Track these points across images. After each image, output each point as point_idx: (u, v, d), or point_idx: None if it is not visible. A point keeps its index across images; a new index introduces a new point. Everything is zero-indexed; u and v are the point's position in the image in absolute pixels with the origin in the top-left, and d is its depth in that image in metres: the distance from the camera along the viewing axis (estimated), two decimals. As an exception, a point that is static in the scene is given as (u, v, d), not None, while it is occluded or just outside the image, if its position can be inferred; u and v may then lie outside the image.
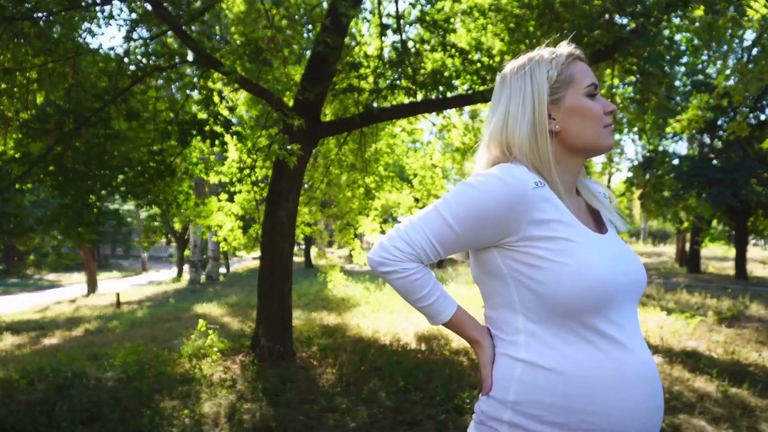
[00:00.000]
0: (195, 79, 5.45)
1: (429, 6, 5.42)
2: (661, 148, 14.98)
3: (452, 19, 5.75)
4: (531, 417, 0.95)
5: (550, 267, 0.94)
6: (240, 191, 7.01)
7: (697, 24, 5.13)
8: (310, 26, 5.66)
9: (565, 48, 1.07)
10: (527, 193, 0.95)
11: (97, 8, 4.88)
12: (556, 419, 0.93)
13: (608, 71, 5.31)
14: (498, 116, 1.06)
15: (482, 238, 0.99)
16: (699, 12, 4.88)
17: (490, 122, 1.09)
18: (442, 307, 1.05)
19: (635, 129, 6.47)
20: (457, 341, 5.72)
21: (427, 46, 5.38)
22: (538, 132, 1.02)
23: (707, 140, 16.18)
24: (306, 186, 7.97)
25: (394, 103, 5.96)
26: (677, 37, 6.18)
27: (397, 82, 5.36)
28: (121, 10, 5.25)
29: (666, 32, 5.39)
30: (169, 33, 4.88)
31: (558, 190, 1.00)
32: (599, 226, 1.10)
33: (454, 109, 7.22)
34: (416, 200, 8.42)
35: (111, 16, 5.08)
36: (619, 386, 0.94)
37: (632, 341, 0.97)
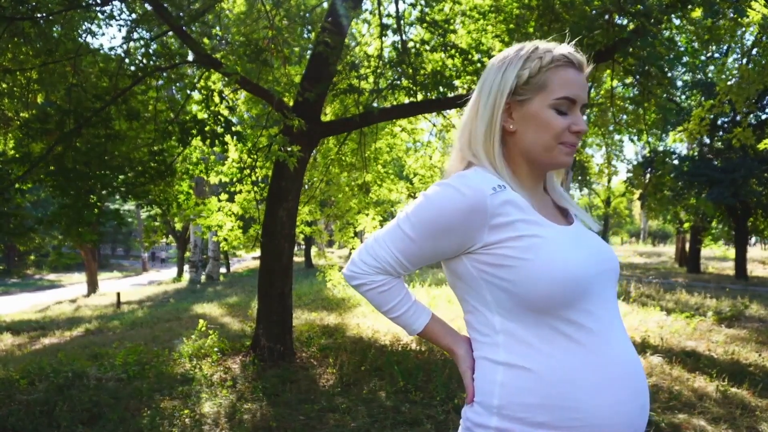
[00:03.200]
0: (195, 80, 5.45)
1: (429, 8, 5.42)
2: (661, 148, 14.99)
3: (452, 20, 5.76)
4: (518, 420, 0.93)
5: (518, 265, 0.93)
6: (240, 191, 7.02)
7: (696, 25, 5.13)
8: (310, 26, 5.66)
9: (562, 49, 1.00)
10: (485, 201, 0.94)
11: (98, 8, 4.89)
12: (542, 419, 0.92)
13: (608, 71, 5.32)
14: (467, 108, 1.08)
15: (445, 249, 0.99)
16: (697, 14, 4.89)
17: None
18: (413, 319, 1.08)
19: (634, 129, 6.48)
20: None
21: (427, 47, 5.39)
22: (490, 128, 1.02)
23: (707, 140, 16.18)
24: (306, 186, 7.98)
25: (395, 103, 5.96)
26: (677, 38, 6.18)
27: (397, 82, 5.36)
28: (121, 10, 5.25)
29: (666, 33, 5.39)
30: (170, 33, 4.88)
31: (518, 189, 1.00)
32: (567, 220, 1.10)
33: (454, 110, 7.22)
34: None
35: (111, 17, 5.08)
36: (601, 380, 0.93)
37: (611, 332, 0.97)
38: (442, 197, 0.96)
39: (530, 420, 0.93)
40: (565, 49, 1.00)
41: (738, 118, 12.78)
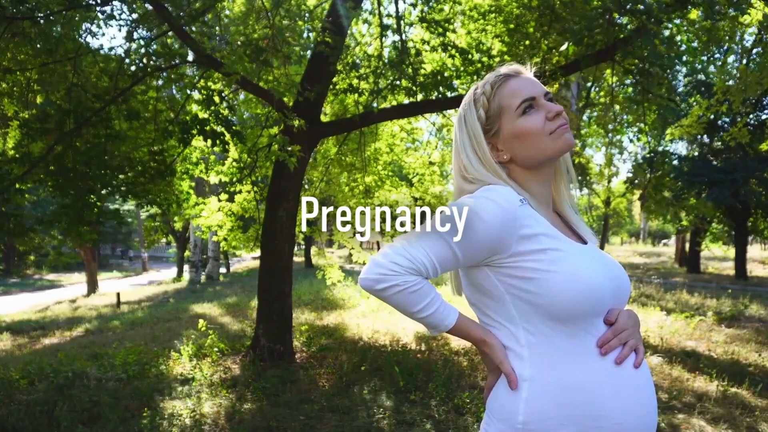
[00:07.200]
0: (195, 80, 5.45)
1: (429, 8, 5.42)
2: (661, 149, 14.98)
3: (452, 20, 5.75)
4: None
5: (543, 277, 0.97)
6: (240, 191, 7.02)
7: (696, 26, 5.13)
8: (310, 26, 5.66)
9: (492, 74, 1.09)
10: (516, 211, 0.98)
11: (98, 8, 4.88)
12: (567, 430, 0.95)
13: (608, 71, 5.32)
14: (454, 159, 1.14)
15: (477, 258, 1.02)
16: (694, 15, 4.89)
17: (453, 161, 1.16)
18: (445, 314, 1.06)
19: (634, 129, 6.48)
20: (456, 341, 5.73)
21: (427, 47, 5.38)
22: (487, 166, 1.08)
23: (707, 140, 16.18)
24: (306, 187, 7.97)
25: (394, 103, 5.96)
26: (677, 37, 6.17)
27: (397, 82, 5.36)
28: (121, 10, 5.24)
29: (666, 33, 5.39)
30: (170, 33, 4.88)
31: (536, 206, 1.05)
32: (581, 239, 1.14)
33: (453, 110, 7.22)
34: (415, 199, 8.40)
35: (111, 16, 5.07)
36: (622, 385, 0.97)
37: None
38: (484, 210, 0.98)
39: (555, 431, 0.95)
40: (497, 72, 1.09)
41: (738, 119, 12.78)
